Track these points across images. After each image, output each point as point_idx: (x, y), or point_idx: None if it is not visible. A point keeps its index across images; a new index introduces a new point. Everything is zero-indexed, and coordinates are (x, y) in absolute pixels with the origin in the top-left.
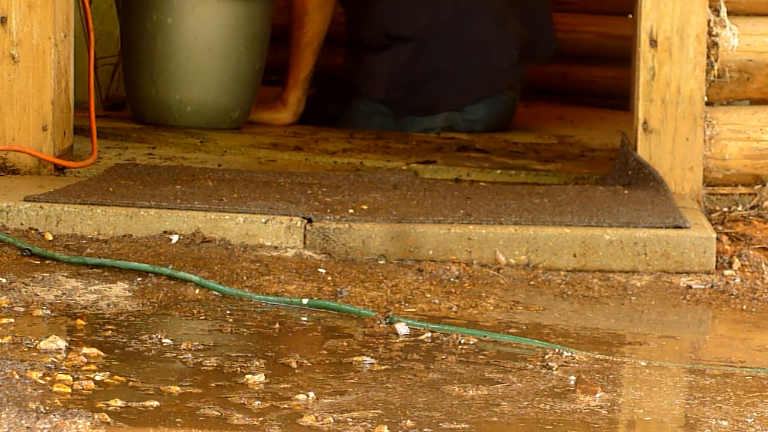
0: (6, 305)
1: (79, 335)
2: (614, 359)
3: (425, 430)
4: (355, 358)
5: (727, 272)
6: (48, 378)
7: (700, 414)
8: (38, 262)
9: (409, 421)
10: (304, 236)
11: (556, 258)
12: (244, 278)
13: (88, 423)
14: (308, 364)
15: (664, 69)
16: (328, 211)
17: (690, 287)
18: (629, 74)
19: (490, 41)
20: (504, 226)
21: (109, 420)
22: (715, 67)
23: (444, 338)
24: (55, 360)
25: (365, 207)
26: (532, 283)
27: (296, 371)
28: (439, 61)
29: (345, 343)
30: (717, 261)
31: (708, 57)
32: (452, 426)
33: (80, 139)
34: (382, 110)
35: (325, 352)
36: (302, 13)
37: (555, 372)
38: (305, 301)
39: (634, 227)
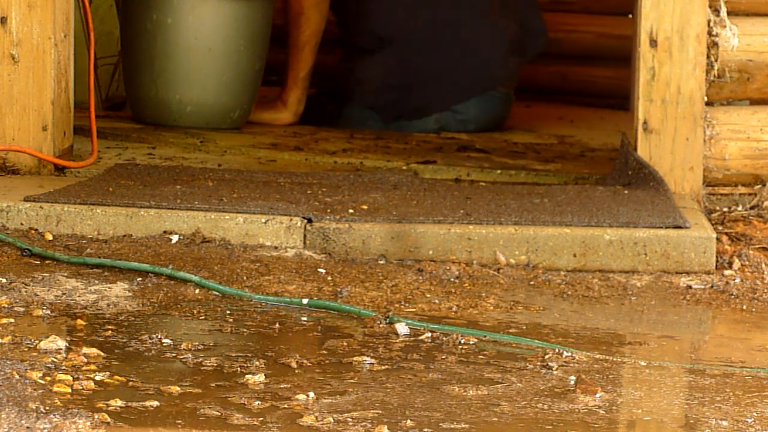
0: (6, 305)
1: (79, 335)
2: (614, 359)
3: (425, 430)
4: (355, 358)
5: (727, 272)
6: (48, 378)
7: (700, 414)
8: (38, 262)
9: (408, 421)
10: (304, 236)
11: (556, 258)
12: (244, 278)
13: (88, 423)
14: (308, 364)
15: (664, 69)
16: (328, 211)
17: (690, 287)
18: (629, 74)
19: (479, 38)
20: (504, 226)
21: (109, 420)
22: (715, 67)
23: (444, 338)
24: (55, 360)
25: (365, 207)
26: (532, 283)
27: (296, 371)
28: (427, 61)
29: (345, 343)
30: (717, 261)
31: (708, 57)
32: (452, 426)
33: (80, 139)
34: (373, 116)
35: (325, 352)
36: (299, 12)
37: (555, 372)
38: (305, 301)
39: (634, 227)
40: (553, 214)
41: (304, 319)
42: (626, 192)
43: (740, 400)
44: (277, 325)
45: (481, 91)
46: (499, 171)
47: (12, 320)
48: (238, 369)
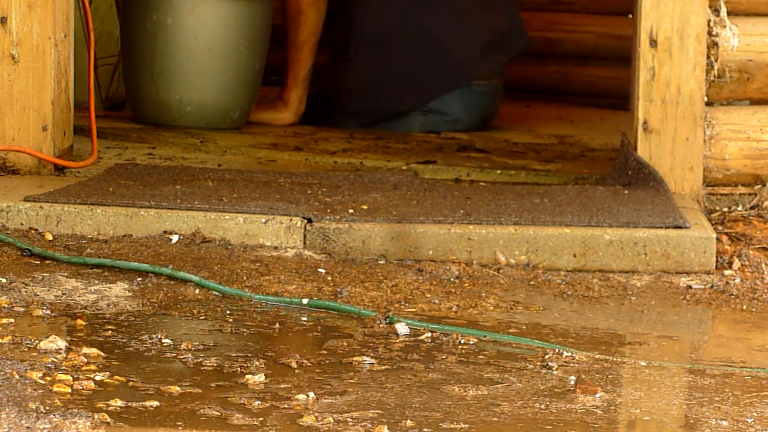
0: (6, 305)
1: (79, 335)
2: (614, 359)
3: (425, 430)
4: (355, 358)
5: (727, 272)
6: (48, 378)
7: (700, 414)
8: (38, 262)
9: (408, 421)
10: (304, 236)
11: (556, 258)
12: (244, 278)
13: (88, 423)
14: (308, 364)
15: (664, 69)
16: (328, 211)
17: (690, 287)
18: (629, 74)
19: (450, 36)
20: (504, 226)
21: (109, 420)
22: (715, 67)
23: (444, 338)
24: (55, 360)
25: (365, 207)
26: (532, 283)
27: (296, 371)
28: (399, 62)
29: (345, 343)
30: (717, 261)
31: (708, 57)
32: (452, 426)
33: (80, 139)
34: (349, 121)
35: (325, 352)
36: (297, 11)
37: (555, 372)
38: (305, 301)
39: (634, 227)
40: (553, 214)
41: (304, 319)
42: (626, 192)
43: (740, 400)
44: (277, 325)
45: (453, 87)
46: (499, 171)
47: (12, 320)
48: (238, 369)
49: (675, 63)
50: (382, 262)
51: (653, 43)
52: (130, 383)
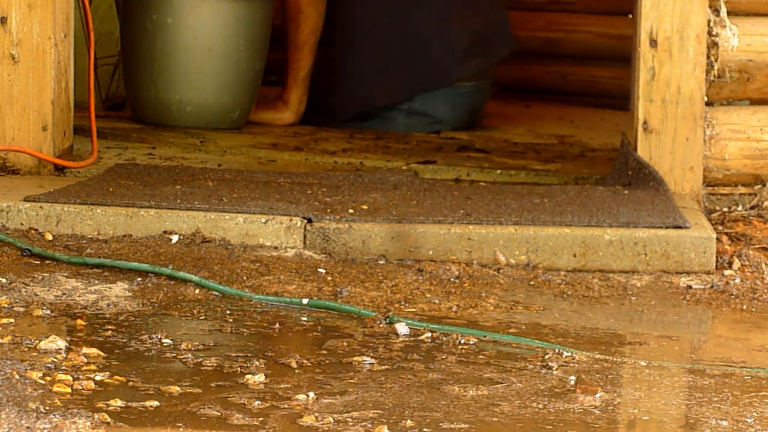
0: (6, 305)
1: (79, 335)
2: (614, 359)
3: (425, 430)
4: (355, 358)
5: (727, 272)
6: (48, 378)
7: (700, 414)
8: (38, 262)
9: (408, 421)
10: (304, 236)
11: (556, 258)
12: (244, 278)
13: (88, 423)
14: (308, 364)
15: (664, 69)
16: (328, 211)
17: (690, 287)
18: (629, 74)
19: (432, 36)
20: (504, 226)
21: (109, 420)
22: (715, 67)
23: (444, 338)
24: (55, 360)
25: (365, 207)
26: (532, 283)
27: (296, 371)
28: (377, 60)
29: (345, 343)
30: (717, 261)
31: (708, 57)
32: (452, 426)
33: (80, 139)
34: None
35: (324, 352)
36: (297, 11)
37: (555, 372)
38: (305, 301)
39: (634, 227)
40: (553, 214)
41: (304, 319)
42: (626, 192)
43: (740, 400)
44: (277, 325)
45: (432, 88)
46: (499, 171)
47: (12, 320)
48: (238, 369)
49: (675, 63)
50: (382, 262)
51: (653, 43)
52: (130, 383)
